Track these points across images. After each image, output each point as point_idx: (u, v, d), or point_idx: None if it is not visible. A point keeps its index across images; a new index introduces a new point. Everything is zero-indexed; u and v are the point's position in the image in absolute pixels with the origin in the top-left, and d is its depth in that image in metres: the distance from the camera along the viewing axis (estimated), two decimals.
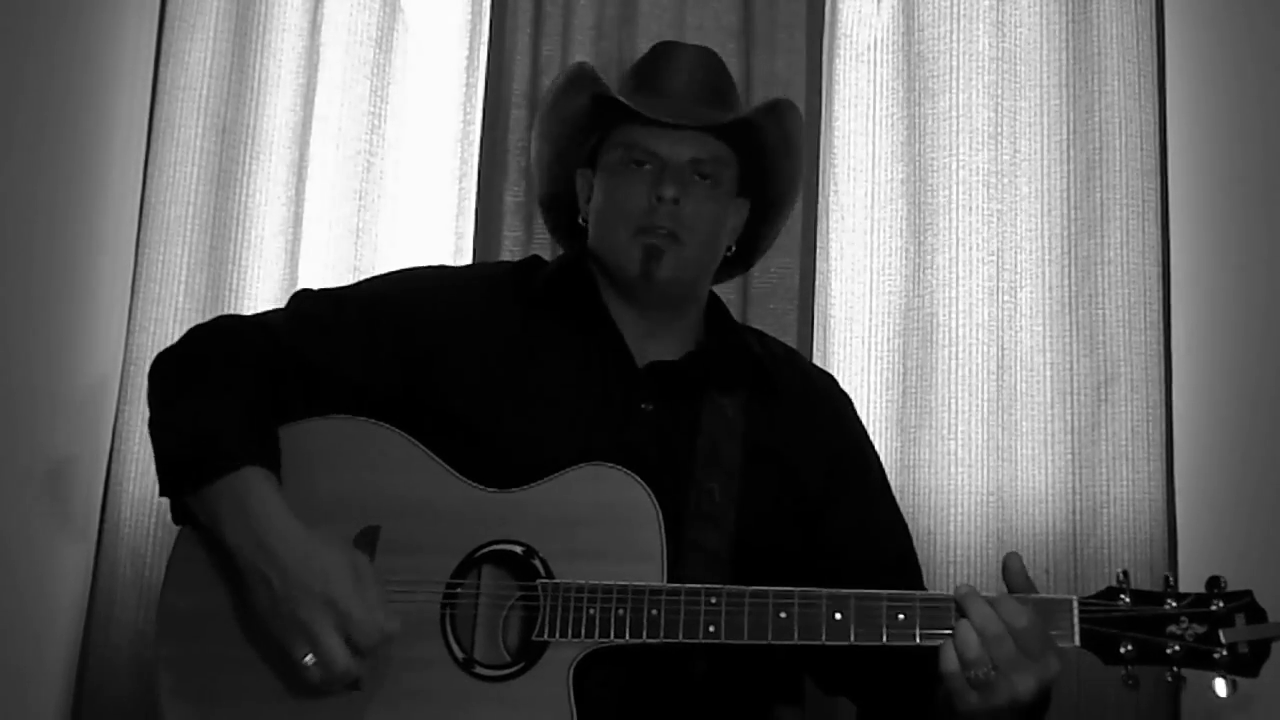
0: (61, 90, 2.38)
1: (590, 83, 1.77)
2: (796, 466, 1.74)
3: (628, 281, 1.72)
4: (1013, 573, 1.47)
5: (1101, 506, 2.25)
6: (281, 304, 1.83)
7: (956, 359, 2.34)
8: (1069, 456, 2.29)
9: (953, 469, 2.30)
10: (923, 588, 1.68)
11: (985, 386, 2.32)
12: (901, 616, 1.45)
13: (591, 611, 1.49)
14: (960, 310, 2.35)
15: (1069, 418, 2.30)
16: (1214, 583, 1.43)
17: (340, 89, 2.52)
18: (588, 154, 1.82)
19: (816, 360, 2.39)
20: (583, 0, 2.55)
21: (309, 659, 1.45)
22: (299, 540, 1.49)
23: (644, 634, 1.48)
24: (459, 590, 1.55)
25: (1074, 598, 1.44)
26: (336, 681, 1.47)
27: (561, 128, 1.82)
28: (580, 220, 1.81)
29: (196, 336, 1.71)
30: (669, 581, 1.50)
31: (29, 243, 2.29)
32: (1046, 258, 2.36)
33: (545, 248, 2.46)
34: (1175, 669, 1.41)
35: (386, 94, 2.55)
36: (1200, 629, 1.41)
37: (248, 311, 2.37)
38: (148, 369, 1.68)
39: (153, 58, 2.59)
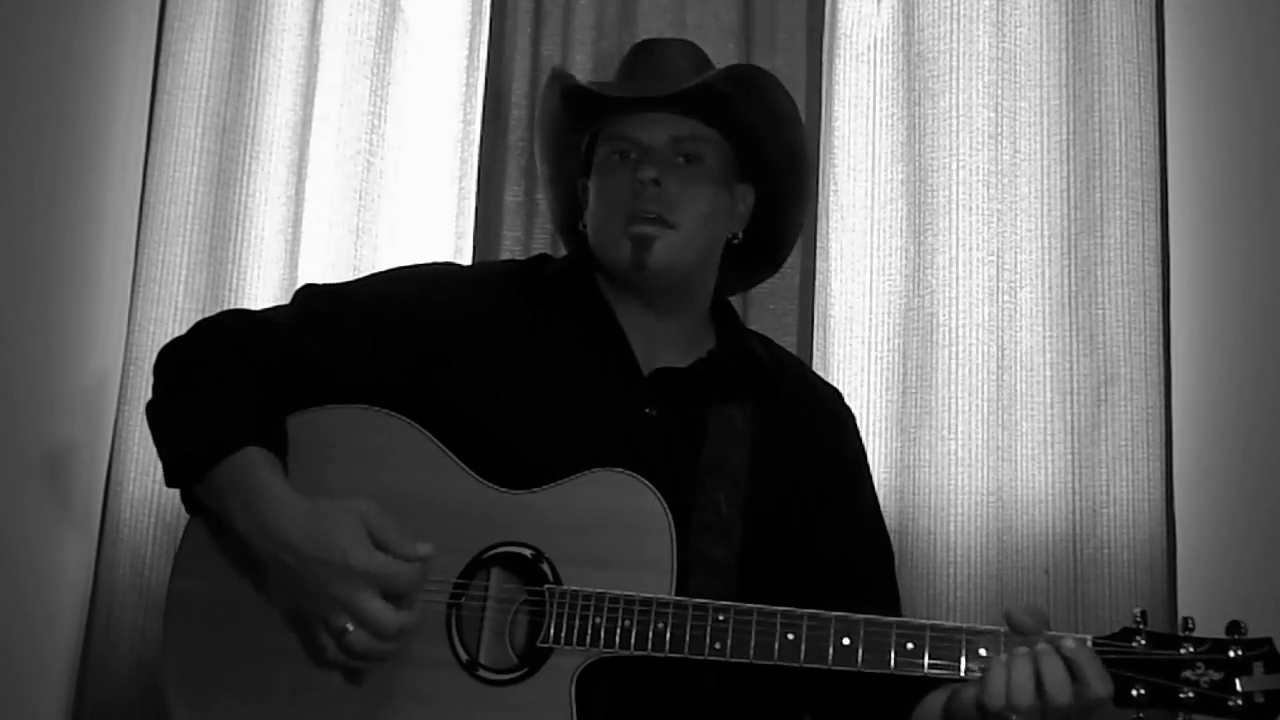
0: (61, 90, 2.38)
1: (559, 79, 1.77)
2: (800, 475, 1.73)
3: (623, 274, 1.72)
4: (1018, 624, 1.43)
5: (1101, 506, 2.25)
6: (281, 303, 1.83)
7: (956, 359, 2.33)
8: (1069, 456, 2.28)
9: (953, 469, 2.30)
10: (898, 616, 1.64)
11: (985, 386, 2.32)
12: (910, 645, 1.44)
13: (598, 620, 1.49)
14: (960, 310, 2.35)
15: (1069, 418, 2.30)
16: (1234, 628, 1.40)
17: (340, 89, 2.52)
18: (584, 164, 1.82)
19: (816, 360, 2.39)
20: (583, 0, 2.55)
21: (350, 627, 1.45)
22: (305, 516, 1.49)
23: (649, 646, 1.48)
24: (466, 591, 1.55)
25: (1088, 638, 1.41)
26: (392, 639, 1.46)
27: (551, 141, 1.83)
28: (580, 227, 1.80)
29: (202, 330, 1.71)
30: (676, 592, 1.50)
31: (29, 242, 2.29)
32: (1046, 258, 2.35)
33: (545, 248, 2.46)
34: (1188, 715, 1.38)
35: (386, 94, 2.55)
36: (1216, 676, 1.37)
37: None
38: (153, 361, 1.68)
39: (153, 58, 2.59)
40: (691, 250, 1.72)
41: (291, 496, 1.51)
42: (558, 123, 1.81)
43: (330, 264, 2.49)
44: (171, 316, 2.47)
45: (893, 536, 1.87)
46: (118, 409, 2.46)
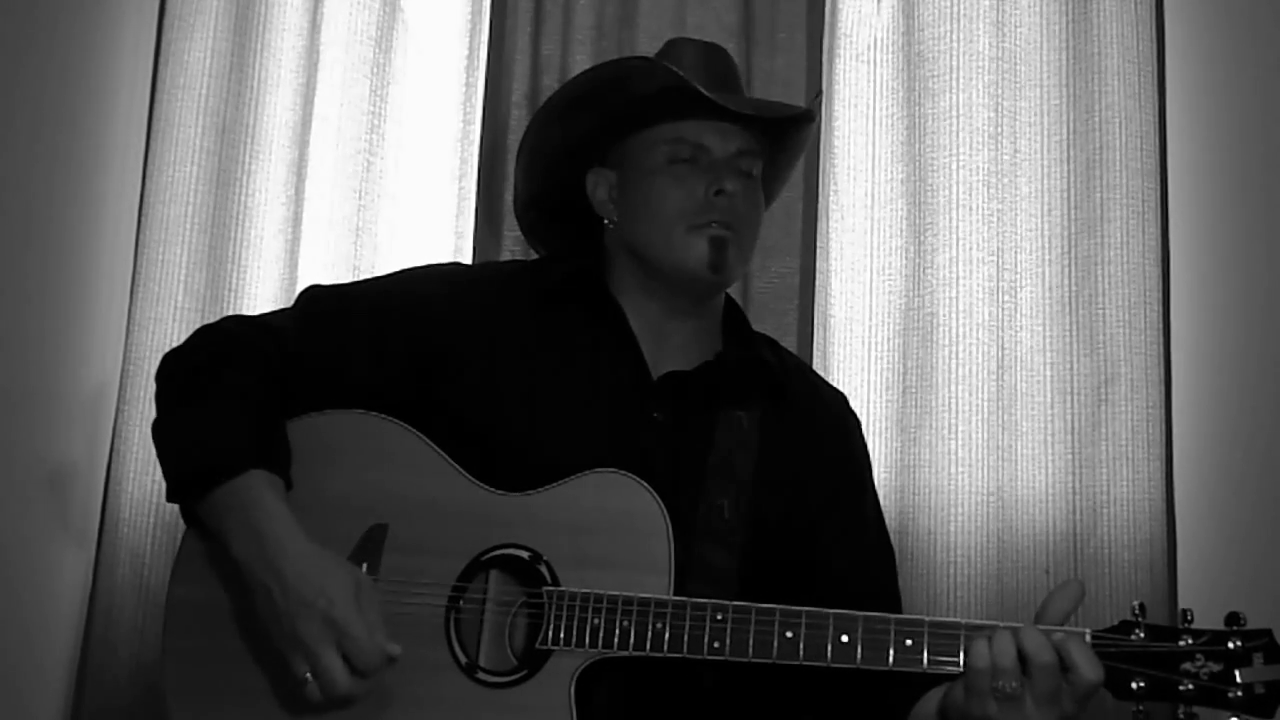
0: (61, 90, 2.38)
1: (664, 74, 1.69)
2: (803, 480, 1.72)
3: (692, 278, 1.69)
4: (1055, 603, 1.43)
5: (1101, 506, 2.25)
6: (281, 303, 1.82)
7: (956, 359, 2.33)
8: (1069, 456, 2.29)
9: (953, 469, 2.30)
10: None
11: (985, 386, 2.32)
12: (909, 641, 1.43)
13: (596, 621, 1.49)
14: (960, 310, 2.35)
15: (1069, 418, 2.30)
16: (1233, 619, 1.39)
17: (340, 89, 2.52)
18: (600, 153, 1.77)
19: (816, 360, 2.39)
20: (582, 0, 2.55)
21: (308, 676, 1.45)
22: (303, 556, 1.48)
23: (648, 646, 1.47)
24: (464, 594, 1.55)
25: (1086, 630, 1.41)
26: (335, 702, 1.46)
27: (594, 120, 1.74)
28: (608, 221, 1.77)
29: (202, 339, 1.69)
30: (675, 595, 1.50)
31: (28, 242, 2.29)
32: (1046, 258, 2.35)
33: None
34: (1187, 707, 1.37)
35: (386, 94, 2.54)
36: (1216, 667, 1.37)
37: (248, 311, 2.39)
38: (155, 371, 1.67)
39: (152, 57, 2.59)
40: (748, 260, 1.78)
41: (296, 531, 1.50)
42: (614, 112, 1.73)
43: (330, 264, 2.48)
44: (171, 316, 2.46)
45: (893, 536, 1.87)
46: (117, 409, 2.45)
